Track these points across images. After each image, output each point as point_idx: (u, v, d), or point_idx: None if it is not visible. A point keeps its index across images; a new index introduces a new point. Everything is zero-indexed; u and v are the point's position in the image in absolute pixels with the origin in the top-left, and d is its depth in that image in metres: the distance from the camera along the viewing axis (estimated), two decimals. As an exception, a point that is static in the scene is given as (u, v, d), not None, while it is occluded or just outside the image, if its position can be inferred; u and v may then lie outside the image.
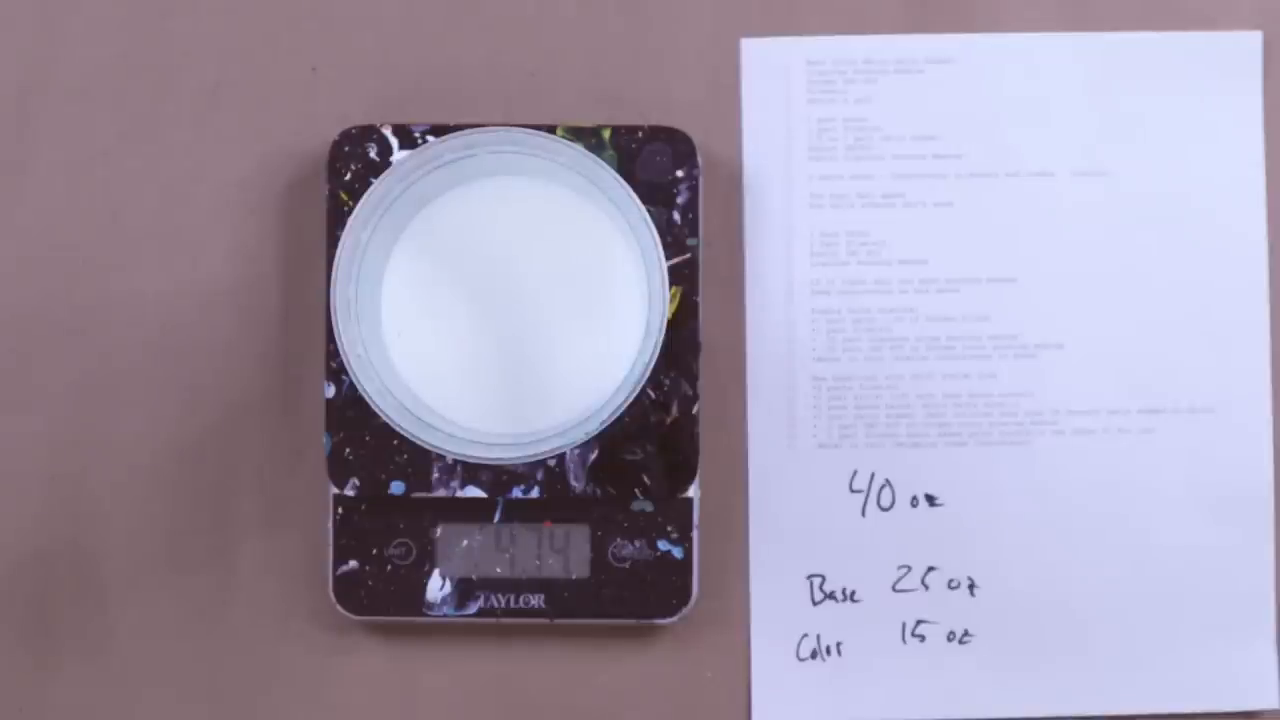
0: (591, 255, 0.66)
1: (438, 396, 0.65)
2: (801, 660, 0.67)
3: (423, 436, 0.62)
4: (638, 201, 0.63)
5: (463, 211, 0.66)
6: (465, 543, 0.66)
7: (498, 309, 0.66)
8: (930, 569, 0.68)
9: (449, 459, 0.64)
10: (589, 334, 0.65)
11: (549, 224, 0.66)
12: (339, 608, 0.66)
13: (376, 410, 0.62)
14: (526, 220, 0.66)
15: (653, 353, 0.62)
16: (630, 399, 0.62)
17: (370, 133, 0.66)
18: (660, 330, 0.62)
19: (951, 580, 0.68)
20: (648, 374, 0.62)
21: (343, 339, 0.62)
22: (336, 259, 0.62)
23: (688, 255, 0.66)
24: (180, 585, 0.67)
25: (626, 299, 0.65)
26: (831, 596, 0.67)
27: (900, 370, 0.67)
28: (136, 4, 0.68)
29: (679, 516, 0.66)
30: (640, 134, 0.66)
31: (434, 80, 0.68)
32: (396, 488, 0.65)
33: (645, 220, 0.63)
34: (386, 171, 0.64)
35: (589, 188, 0.65)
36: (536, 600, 0.66)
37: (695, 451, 0.66)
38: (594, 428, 0.62)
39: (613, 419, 0.62)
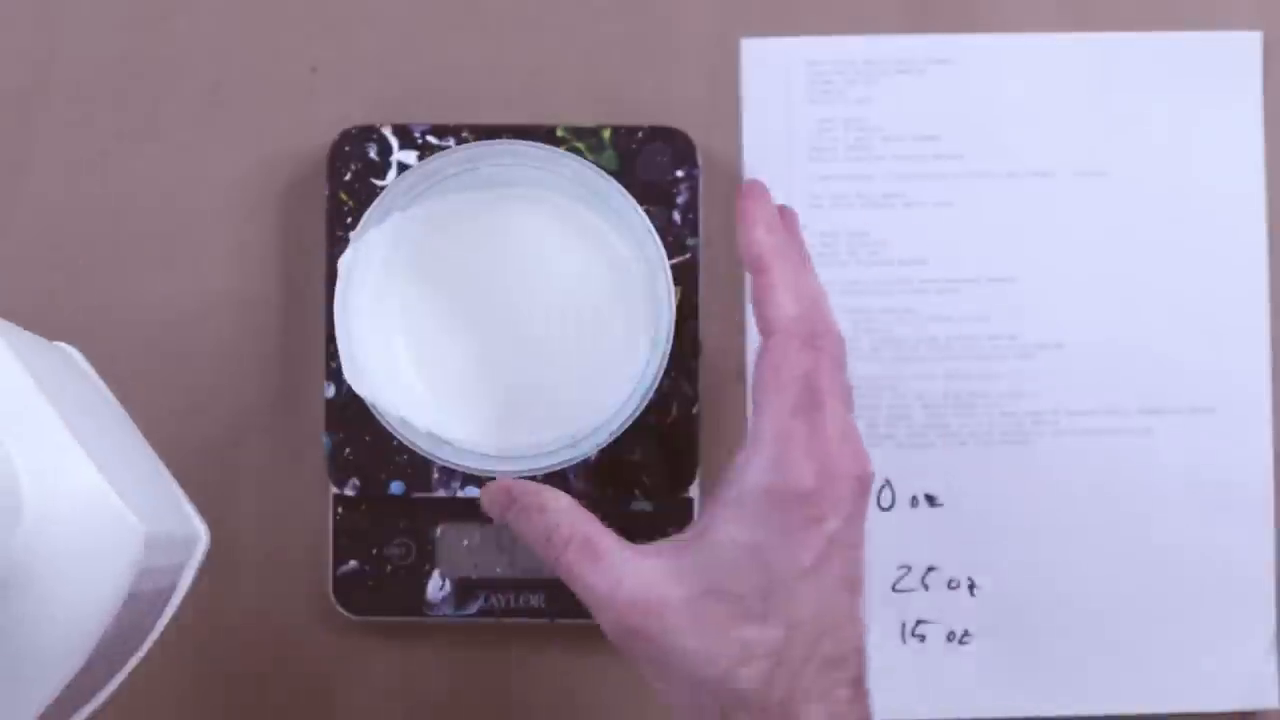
0: (593, 265, 0.65)
1: (441, 408, 0.65)
2: (801, 660, 0.67)
3: (434, 452, 0.62)
4: (642, 214, 0.63)
5: (465, 221, 0.65)
6: (465, 543, 0.66)
7: (499, 320, 0.65)
8: (930, 569, 0.68)
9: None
10: (590, 345, 0.65)
11: (550, 233, 0.65)
12: (339, 608, 0.66)
13: (387, 424, 0.62)
14: (527, 229, 0.65)
15: (660, 365, 0.62)
16: (637, 412, 0.62)
17: (370, 133, 0.66)
18: (667, 342, 0.62)
19: (951, 580, 0.68)
20: (655, 386, 0.62)
21: (347, 350, 0.63)
22: (341, 272, 0.63)
23: (688, 255, 0.66)
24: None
25: (628, 310, 0.65)
26: (831, 597, 0.67)
27: (900, 370, 0.67)
28: (136, 4, 0.68)
29: (679, 516, 0.66)
30: (640, 134, 0.66)
31: (434, 80, 0.68)
32: (396, 488, 0.65)
33: (650, 232, 0.63)
34: (388, 188, 0.64)
35: (590, 196, 0.65)
36: (536, 600, 0.66)
37: (695, 451, 0.66)
38: (603, 440, 0.62)
39: (620, 431, 0.62)
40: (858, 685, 0.55)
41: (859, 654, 0.55)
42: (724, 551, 0.54)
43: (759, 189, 0.58)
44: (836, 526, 0.54)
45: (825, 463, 0.54)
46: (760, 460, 0.55)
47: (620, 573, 0.55)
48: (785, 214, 0.60)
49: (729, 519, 0.55)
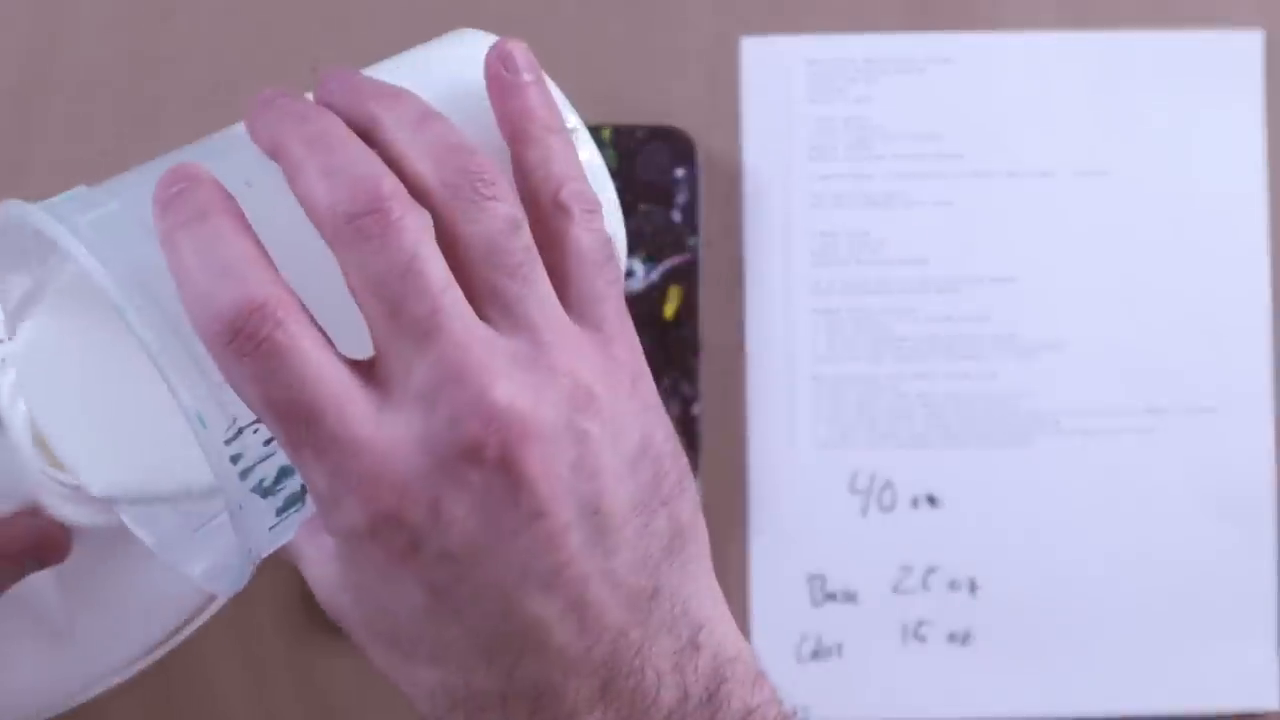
0: None
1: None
2: (802, 661, 0.67)
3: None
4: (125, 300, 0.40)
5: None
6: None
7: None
8: (931, 570, 0.67)
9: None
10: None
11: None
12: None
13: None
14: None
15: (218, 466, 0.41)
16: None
17: (370, 132, 0.66)
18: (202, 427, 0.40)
19: (952, 581, 0.67)
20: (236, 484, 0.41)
21: None
22: None
23: (688, 255, 0.66)
24: (180, 585, 0.67)
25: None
26: (832, 598, 0.67)
27: (900, 370, 0.67)
28: (136, 4, 0.68)
29: (679, 516, 0.65)
30: (640, 134, 0.66)
31: (434, 80, 0.68)
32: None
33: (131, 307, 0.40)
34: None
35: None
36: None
37: (695, 451, 0.66)
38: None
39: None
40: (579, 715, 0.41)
41: (578, 665, 0.41)
42: (350, 586, 0.42)
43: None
44: (427, 539, 0.40)
45: (353, 488, 0.39)
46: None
47: (317, 557, 0.44)
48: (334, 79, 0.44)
49: (336, 553, 0.42)
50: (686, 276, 0.66)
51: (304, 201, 0.40)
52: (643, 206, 0.65)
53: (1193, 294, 0.68)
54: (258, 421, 0.40)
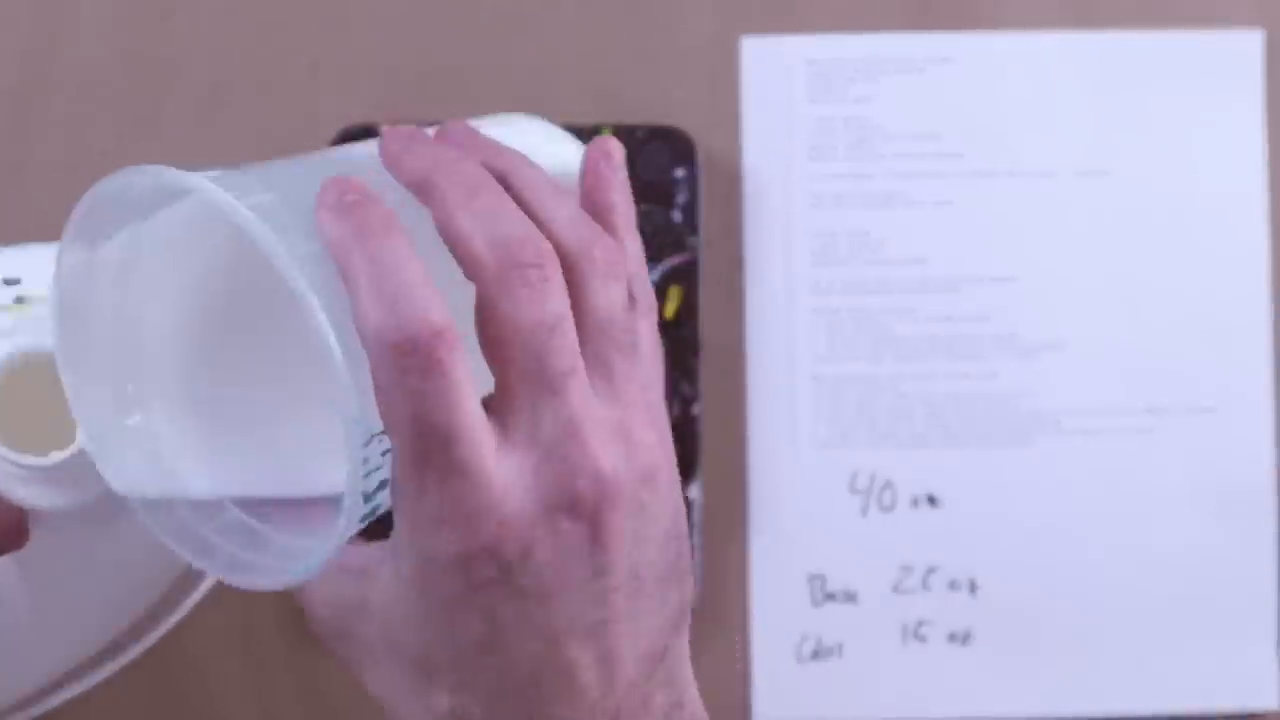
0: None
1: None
2: (802, 661, 0.67)
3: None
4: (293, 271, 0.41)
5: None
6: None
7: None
8: (931, 570, 0.67)
9: None
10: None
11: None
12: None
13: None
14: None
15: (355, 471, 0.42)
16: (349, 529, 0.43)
17: (370, 132, 0.66)
18: (359, 445, 0.42)
19: (952, 581, 0.67)
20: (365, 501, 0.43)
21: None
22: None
23: (687, 255, 0.66)
24: (180, 585, 0.67)
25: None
26: (832, 598, 0.67)
27: (900, 370, 0.67)
28: (136, 4, 0.68)
29: (679, 516, 0.65)
30: (640, 133, 0.66)
31: (434, 79, 0.68)
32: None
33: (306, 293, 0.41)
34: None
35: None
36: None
37: (695, 451, 0.66)
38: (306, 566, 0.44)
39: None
40: None
41: (594, 709, 0.44)
42: (401, 604, 0.44)
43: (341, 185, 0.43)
44: (512, 575, 0.42)
45: (464, 516, 0.41)
46: (398, 519, 0.43)
47: (331, 575, 0.45)
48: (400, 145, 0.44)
49: (397, 572, 0.44)
50: (686, 276, 0.66)
51: (460, 239, 0.42)
52: (643, 206, 0.65)
53: (1193, 294, 0.68)
54: (382, 433, 0.42)
